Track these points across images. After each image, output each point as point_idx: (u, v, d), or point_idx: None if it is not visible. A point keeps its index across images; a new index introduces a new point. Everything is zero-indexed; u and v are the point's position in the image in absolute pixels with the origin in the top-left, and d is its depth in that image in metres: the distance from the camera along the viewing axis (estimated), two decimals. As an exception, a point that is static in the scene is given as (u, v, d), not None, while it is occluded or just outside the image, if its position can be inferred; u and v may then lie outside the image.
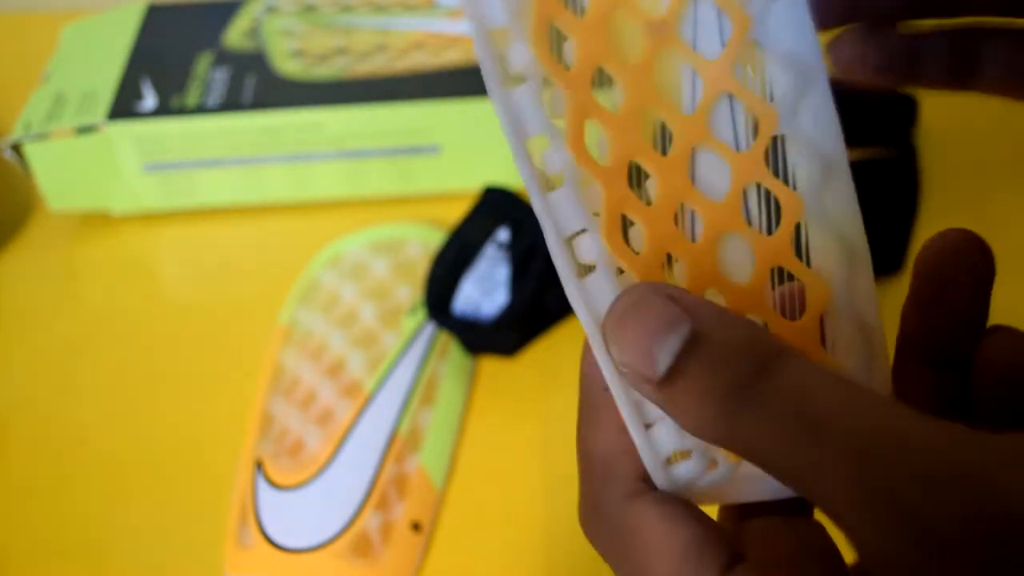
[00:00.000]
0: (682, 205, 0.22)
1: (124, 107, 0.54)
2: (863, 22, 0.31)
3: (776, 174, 0.22)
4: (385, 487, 0.43)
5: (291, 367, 0.48)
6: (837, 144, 0.21)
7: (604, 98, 0.21)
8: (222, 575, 0.42)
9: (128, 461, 0.46)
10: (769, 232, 0.22)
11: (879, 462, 0.18)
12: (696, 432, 0.20)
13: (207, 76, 0.56)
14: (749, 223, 0.22)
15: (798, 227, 0.22)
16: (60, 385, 0.50)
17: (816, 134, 0.21)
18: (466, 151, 0.55)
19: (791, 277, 0.22)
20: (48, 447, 0.47)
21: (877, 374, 0.23)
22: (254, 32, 0.59)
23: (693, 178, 0.22)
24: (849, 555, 0.20)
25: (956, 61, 0.31)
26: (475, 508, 0.44)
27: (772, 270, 0.22)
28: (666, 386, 0.20)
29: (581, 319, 0.22)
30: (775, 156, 0.22)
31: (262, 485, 0.43)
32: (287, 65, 0.57)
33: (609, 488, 0.23)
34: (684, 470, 0.23)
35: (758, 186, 0.22)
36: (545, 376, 0.48)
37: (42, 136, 0.53)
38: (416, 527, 0.43)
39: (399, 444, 0.44)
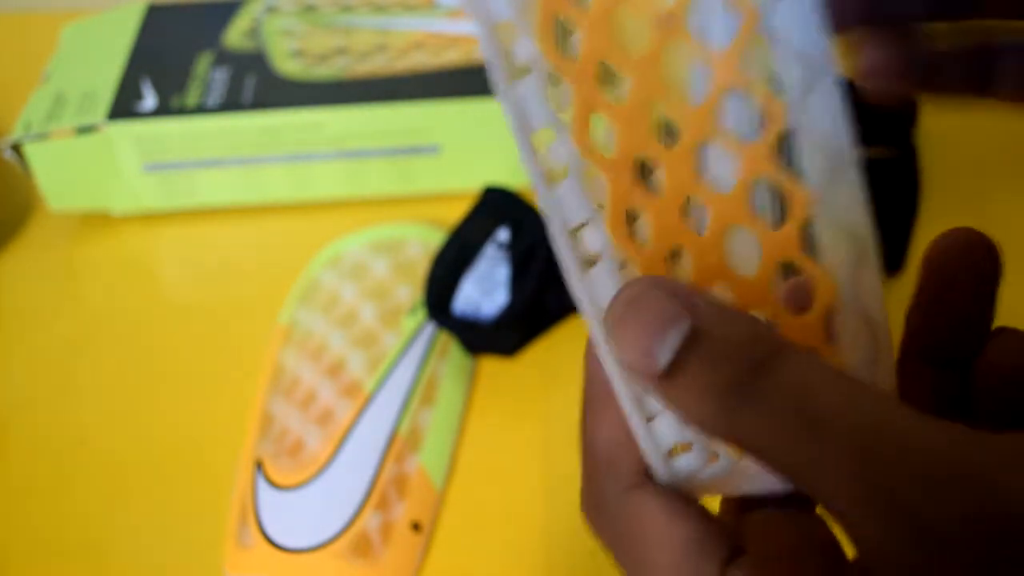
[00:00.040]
0: (689, 198, 0.22)
1: (124, 107, 0.54)
2: (882, 23, 0.31)
3: (784, 168, 0.21)
4: (385, 487, 0.43)
5: (291, 367, 0.47)
6: (846, 138, 0.21)
7: (610, 92, 0.21)
8: (222, 575, 0.42)
9: (128, 461, 0.46)
10: (776, 226, 0.22)
11: (880, 460, 0.18)
12: (696, 427, 0.20)
13: (207, 76, 0.56)
14: (756, 217, 0.22)
15: (805, 221, 0.22)
16: (60, 385, 0.49)
17: (825, 128, 0.21)
18: (466, 151, 0.55)
19: (797, 271, 0.22)
20: (48, 447, 0.47)
21: (881, 369, 0.23)
22: (254, 32, 0.59)
23: (700, 171, 0.22)
24: (850, 549, 0.20)
25: (973, 72, 0.32)
26: (475, 508, 0.44)
27: (778, 264, 0.22)
28: (666, 382, 0.20)
29: (584, 312, 0.22)
30: (783, 150, 0.22)
31: (262, 485, 0.43)
32: (287, 65, 0.57)
33: (611, 480, 0.23)
34: (685, 463, 0.23)
35: (766, 180, 0.22)
36: (545, 376, 0.48)
37: (42, 136, 0.53)
38: (416, 527, 0.42)
39: (399, 444, 0.44)
